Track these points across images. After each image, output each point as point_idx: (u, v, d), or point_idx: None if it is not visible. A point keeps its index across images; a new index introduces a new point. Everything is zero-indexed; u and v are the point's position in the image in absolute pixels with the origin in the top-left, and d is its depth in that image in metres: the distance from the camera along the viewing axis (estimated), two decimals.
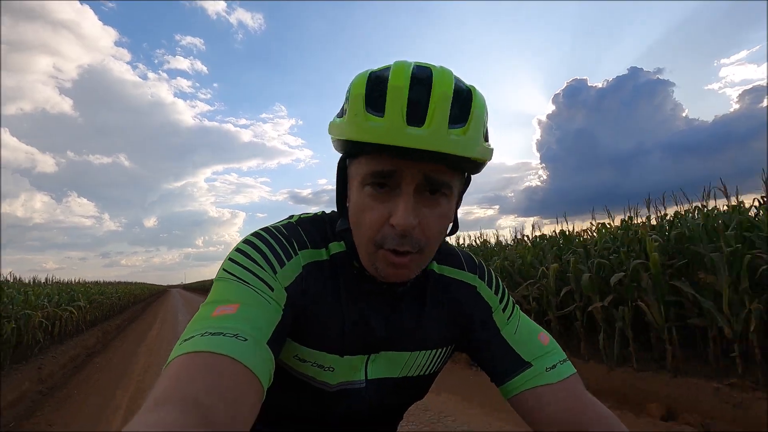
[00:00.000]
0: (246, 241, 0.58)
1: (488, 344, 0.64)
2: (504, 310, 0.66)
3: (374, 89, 0.50)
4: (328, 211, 0.67)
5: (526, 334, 0.65)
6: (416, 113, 0.48)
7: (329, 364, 0.59)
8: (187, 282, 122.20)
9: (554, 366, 0.61)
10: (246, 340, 0.45)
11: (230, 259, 0.56)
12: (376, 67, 0.54)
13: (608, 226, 5.02)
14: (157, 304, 24.60)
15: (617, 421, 0.57)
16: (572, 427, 0.56)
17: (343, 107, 0.54)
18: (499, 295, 0.68)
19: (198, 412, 0.37)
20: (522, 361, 0.62)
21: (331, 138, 0.56)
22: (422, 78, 0.49)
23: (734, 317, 2.98)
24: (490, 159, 0.54)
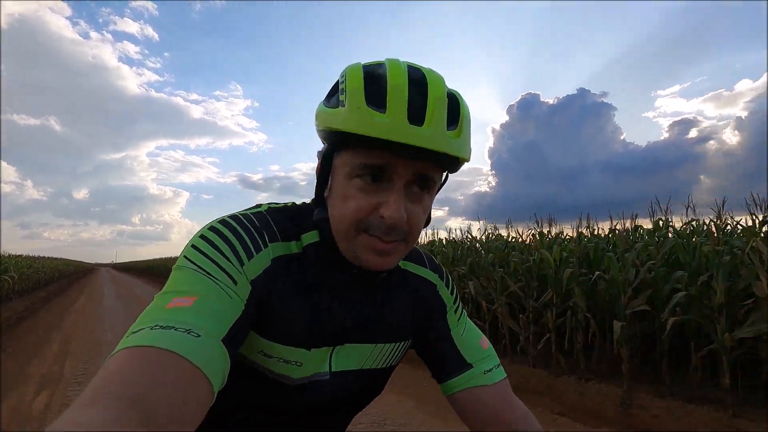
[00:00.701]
0: (212, 229, 0.55)
1: (438, 342, 0.69)
2: (455, 311, 0.71)
3: (372, 84, 0.50)
4: (298, 202, 0.66)
5: (471, 337, 0.70)
6: (415, 113, 0.49)
7: (296, 358, 0.58)
8: (118, 261, 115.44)
9: (491, 370, 0.67)
10: (199, 336, 0.43)
11: (193, 246, 0.53)
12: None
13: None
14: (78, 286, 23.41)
15: (534, 420, 0.66)
16: (500, 425, 0.65)
17: (335, 98, 0.54)
18: (453, 296, 0.72)
19: (138, 410, 0.35)
20: (464, 363, 0.67)
21: (318, 127, 0.56)
22: (416, 79, 0.51)
23: (491, 305, 4.70)
24: (469, 160, 0.56)
